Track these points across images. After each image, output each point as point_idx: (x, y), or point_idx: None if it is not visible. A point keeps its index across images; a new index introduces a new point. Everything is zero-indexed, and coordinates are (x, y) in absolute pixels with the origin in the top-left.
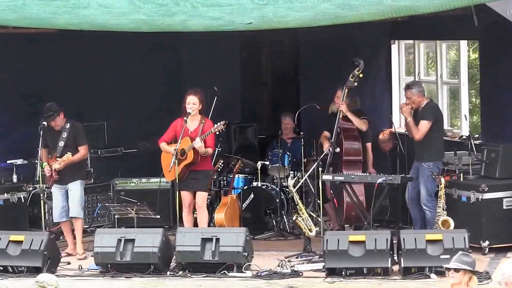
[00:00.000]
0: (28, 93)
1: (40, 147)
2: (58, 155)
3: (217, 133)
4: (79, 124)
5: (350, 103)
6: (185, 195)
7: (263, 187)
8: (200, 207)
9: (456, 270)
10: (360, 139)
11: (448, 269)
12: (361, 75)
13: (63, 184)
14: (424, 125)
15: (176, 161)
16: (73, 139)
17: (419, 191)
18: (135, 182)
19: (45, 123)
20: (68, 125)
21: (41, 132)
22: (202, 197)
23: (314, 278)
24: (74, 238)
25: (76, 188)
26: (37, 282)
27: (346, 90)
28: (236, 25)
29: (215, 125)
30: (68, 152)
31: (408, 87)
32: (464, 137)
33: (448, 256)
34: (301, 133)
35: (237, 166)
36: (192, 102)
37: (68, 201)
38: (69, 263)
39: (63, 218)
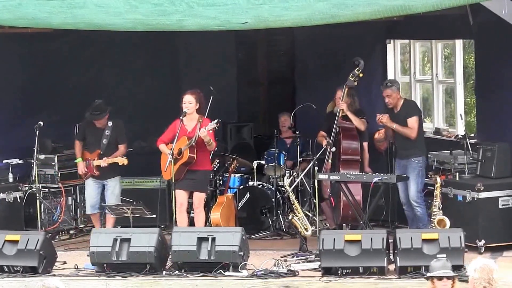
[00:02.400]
0: (24, 93)
1: (36, 146)
2: (102, 152)
3: (211, 131)
4: (121, 122)
5: (350, 103)
6: (179, 194)
7: (259, 186)
8: (198, 208)
9: (449, 277)
10: (358, 139)
11: (440, 278)
12: (361, 75)
13: (101, 179)
14: (415, 121)
15: (172, 160)
16: (115, 137)
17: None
18: (131, 182)
19: (41, 122)
20: (110, 123)
21: (37, 131)
22: (199, 198)
23: (310, 278)
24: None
25: (115, 185)
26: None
27: (346, 89)
28: (232, 25)
29: (209, 124)
30: (123, 157)
31: (387, 85)
32: (459, 136)
33: (444, 255)
34: (297, 132)
35: (233, 165)
36: (188, 101)
37: (106, 196)
38: (65, 262)
39: (95, 210)
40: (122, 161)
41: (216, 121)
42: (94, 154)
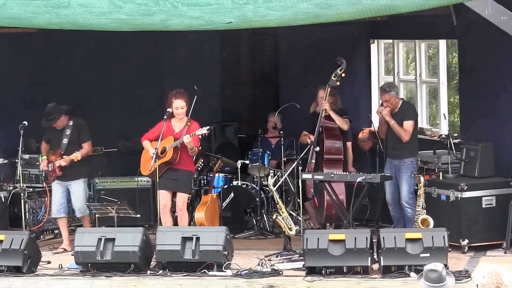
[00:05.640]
0: (9, 93)
1: (21, 146)
2: (62, 152)
3: (200, 137)
4: (82, 121)
5: (333, 102)
6: (162, 195)
7: (243, 186)
8: (181, 209)
9: None
10: (341, 138)
11: None
12: (343, 75)
13: (64, 180)
14: (410, 125)
15: (157, 159)
16: (77, 136)
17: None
18: (115, 181)
19: (25, 122)
20: (71, 123)
21: (21, 131)
22: (182, 199)
23: (294, 277)
24: (70, 234)
25: (78, 187)
26: None
27: (329, 89)
28: (216, 25)
29: (200, 129)
30: (77, 152)
31: (385, 90)
32: (443, 136)
33: (428, 255)
34: (281, 132)
35: (217, 165)
36: (181, 107)
37: (71, 199)
38: (49, 262)
39: (61, 214)
40: (76, 156)
41: (207, 127)
42: (56, 154)
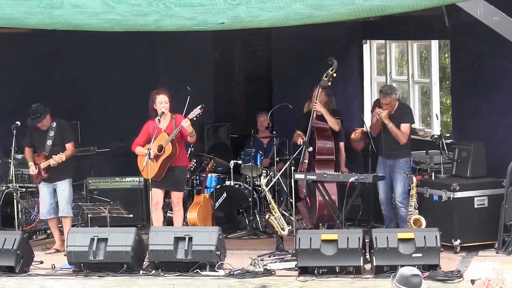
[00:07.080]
0: (2, 93)
1: (13, 146)
2: (47, 154)
3: (195, 118)
4: (64, 122)
5: (327, 102)
6: (155, 193)
7: (236, 186)
8: (177, 206)
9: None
10: (333, 139)
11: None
12: (334, 75)
13: (51, 182)
14: (408, 127)
15: (150, 160)
16: (60, 137)
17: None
18: (108, 182)
19: (18, 122)
20: (54, 124)
21: (14, 131)
22: (178, 196)
23: (286, 277)
24: (62, 234)
25: (64, 187)
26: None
27: (320, 89)
28: (208, 25)
29: (192, 111)
30: (61, 153)
31: (386, 93)
32: (435, 136)
33: (420, 255)
34: (274, 132)
35: (210, 165)
36: (164, 101)
37: (57, 199)
38: (41, 262)
39: (51, 215)
40: (61, 158)
41: (200, 106)
42: (41, 156)
